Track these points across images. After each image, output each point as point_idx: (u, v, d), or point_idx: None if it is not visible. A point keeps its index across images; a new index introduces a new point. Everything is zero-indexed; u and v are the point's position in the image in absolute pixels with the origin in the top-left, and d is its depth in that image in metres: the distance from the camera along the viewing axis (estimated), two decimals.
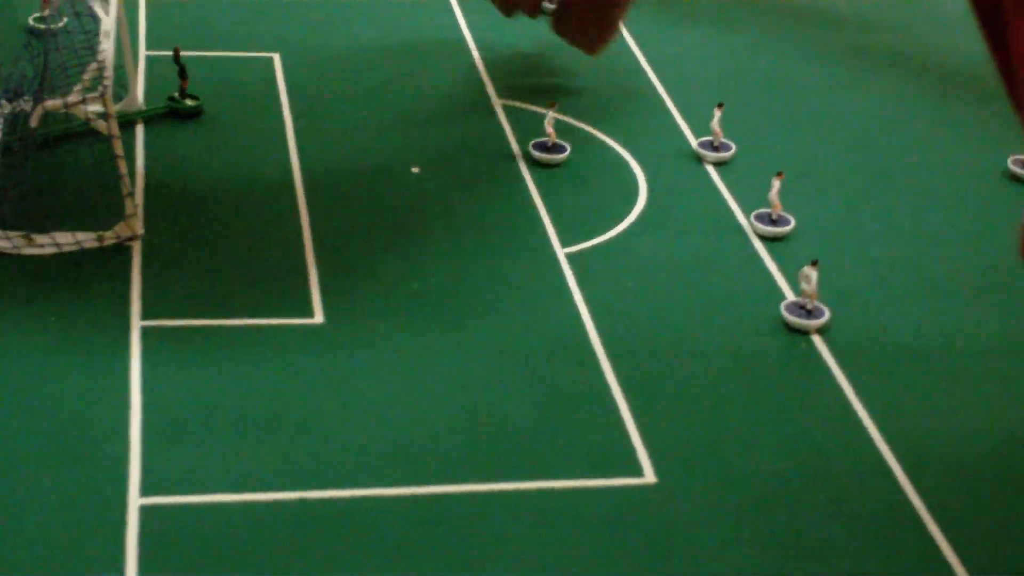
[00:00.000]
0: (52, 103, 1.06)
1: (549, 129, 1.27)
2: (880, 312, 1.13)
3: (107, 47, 1.11)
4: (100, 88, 1.06)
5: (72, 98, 1.06)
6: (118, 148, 1.08)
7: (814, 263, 1.10)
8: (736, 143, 1.32)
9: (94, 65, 1.10)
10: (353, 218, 1.18)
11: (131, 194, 1.10)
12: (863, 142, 1.38)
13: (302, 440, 0.95)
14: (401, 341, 1.05)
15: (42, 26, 1.27)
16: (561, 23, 1.34)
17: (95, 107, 1.07)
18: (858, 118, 1.42)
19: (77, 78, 1.13)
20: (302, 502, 0.90)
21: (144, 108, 1.28)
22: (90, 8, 1.18)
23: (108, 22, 1.15)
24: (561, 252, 1.16)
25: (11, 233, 1.09)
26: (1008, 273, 1.18)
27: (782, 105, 1.43)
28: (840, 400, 1.03)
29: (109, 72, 1.08)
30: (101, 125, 1.07)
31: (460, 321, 1.07)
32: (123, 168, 1.09)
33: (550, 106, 1.28)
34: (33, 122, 1.07)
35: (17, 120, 1.16)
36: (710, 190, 1.26)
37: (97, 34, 1.13)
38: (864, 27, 1.62)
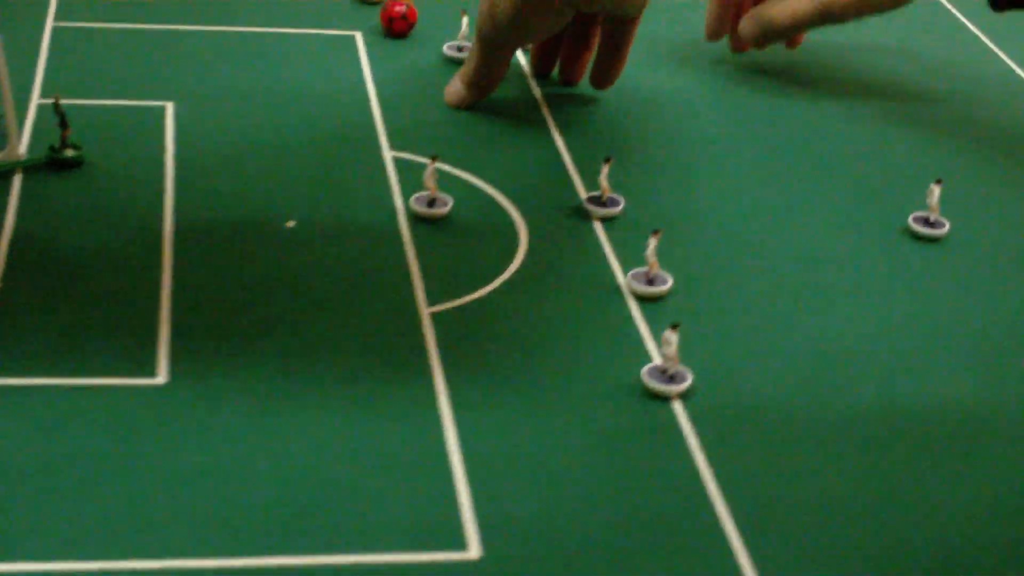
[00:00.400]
0: None
1: (429, 183, 1.25)
2: (747, 378, 1.11)
3: None
4: None
5: None
6: None
7: (674, 326, 1.08)
8: (627, 197, 1.30)
9: None
10: (217, 274, 1.16)
11: None
12: (757, 194, 1.36)
13: (116, 508, 0.93)
14: (241, 404, 1.03)
15: None
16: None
17: None
18: (754, 168, 1.40)
19: None
20: (102, 573, 0.88)
21: (23, 158, 1.26)
22: None
23: None
24: (426, 311, 1.14)
25: None
26: (883, 337, 1.16)
27: (678, 157, 1.41)
28: (689, 468, 1.01)
29: None
30: None
31: (308, 382, 1.06)
32: None
33: (431, 160, 1.26)
34: None
35: None
36: (592, 247, 1.24)
37: None
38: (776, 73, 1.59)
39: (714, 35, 1.57)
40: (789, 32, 1.52)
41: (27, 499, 0.93)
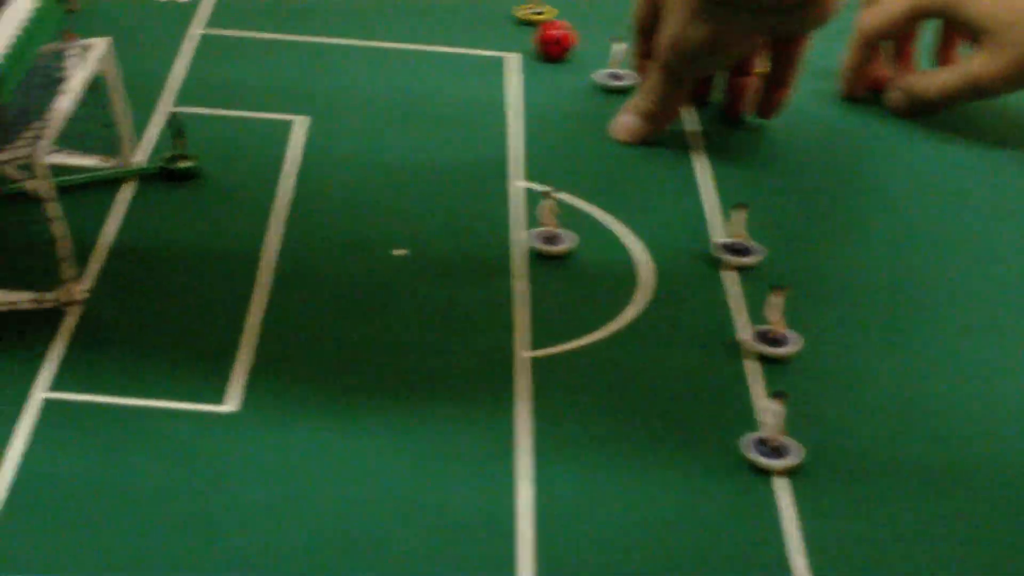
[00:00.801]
0: None
1: (547, 218, 1.18)
2: (860, 458, 1.01)
3: (60, 104, 1.07)
4: (31, 149, 1.01)
5: (1, 156, 1.02)
6: (51, 211, 1.03)
7: (777, 395, 0.98)
8: (773, 246, 1.20)
9: (38, 123, 1.05)
10: (313, 301, 1.11)
11: (67, 259, 1.05)
12: (908, 255, 1.24)
13: (158, 541, 0.88)
14: (310, 443, 0.97)
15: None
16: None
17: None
18: (924, 224, 1.29)
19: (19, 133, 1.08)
20: None
21: (135, 167, 1.23)
22: (70, 60, 1.14)
23: (76, 80, 1.11)
24: (523, 355, 1.07)
25: None
26: None
27: (840, 206, 1.31)
28: (781, 557, 0.92)
29: (50, 132, 1.04)
30: (31, 186, 1.02)
31: (383, 420, 0.99)
32: (58, 231, 1.04)
33: (544, 194, 1.19)
34: None
35: None
36: (719, 299, 1.15)
37: (59, 89, 1.09)
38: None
39: (850, 92, 1.49)
40: (939, 106, 1.44)
41: (85, 523, 0.89)
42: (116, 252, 1.14)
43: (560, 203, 1.19)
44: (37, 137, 1.03)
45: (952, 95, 1.43)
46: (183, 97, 1.37)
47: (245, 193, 1.23)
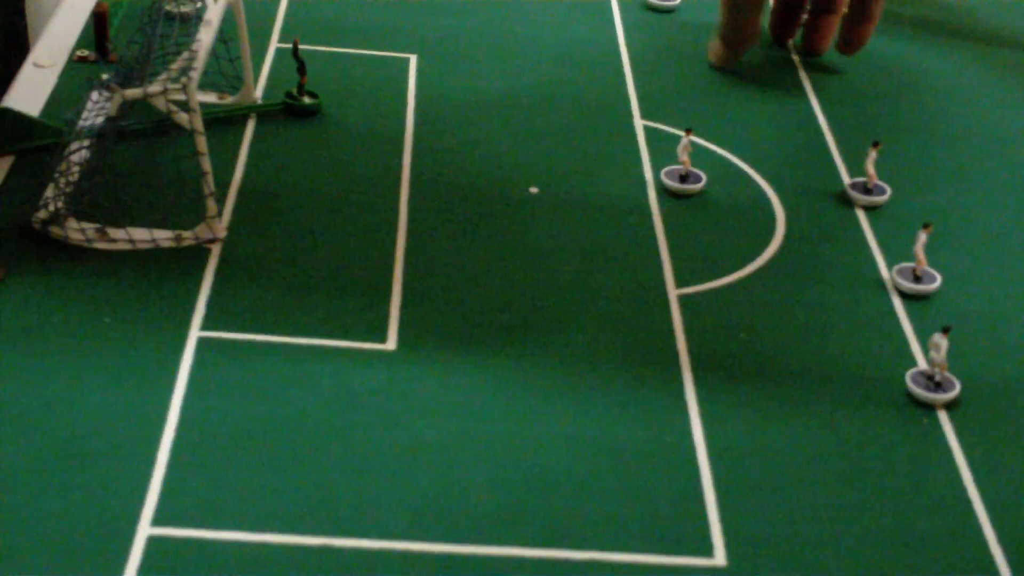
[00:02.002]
0: (131, 92, 0.99)
1: (683, 156, 1.17)
2: (1019, 391, 1.00)
3: (204, 37, 1.05)
4: (183, 80, 1.00)
5: (153, 88, 1.00)
6: (201, 145, 1.01)
7: (945, 330, 0.98)
8: (894, 186, 1.19)
9: (186, 55, 1.03)
10: (454, 238, 1.09)
11: (213, 194, 1.04)
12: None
13: (339, 480, 0.87)
14: (471, 379, 0.96)
15: (171, 8, 1.21)
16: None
17: (178, 98, 1.01)
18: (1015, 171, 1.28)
19: (164, 66, 1.06)
20: (324, 549, 0.82)
21: (259, 102, 1.21)
22: None
23: (214, 10, 1.09)
24: (674, 293, 1.06)
25: (86, 225, 1.03)
26: None
27: (951, 146, 1.30)
28: (956, 489, 0.91)
29: (199, 64, 1.02)
30: (182, 119, 1.01)
31: (542, 361, 0.98)
32: (205, 166, 1.02)
33: (685, 132, 1.17)
34: (112, 110, 1.01)
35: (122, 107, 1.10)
36: (854, 237, 1.15)
37: (198, 21, 1.07)
38: None
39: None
40: None
41: (246, 464, 0.87)
42: (246, 189, 1.12)
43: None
44: (185, 70, 1.02)
45: None
46: (287, 35, 1.34)
47: (369, 131, 1.21)
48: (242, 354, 0.96)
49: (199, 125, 1.01)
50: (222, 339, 0.97)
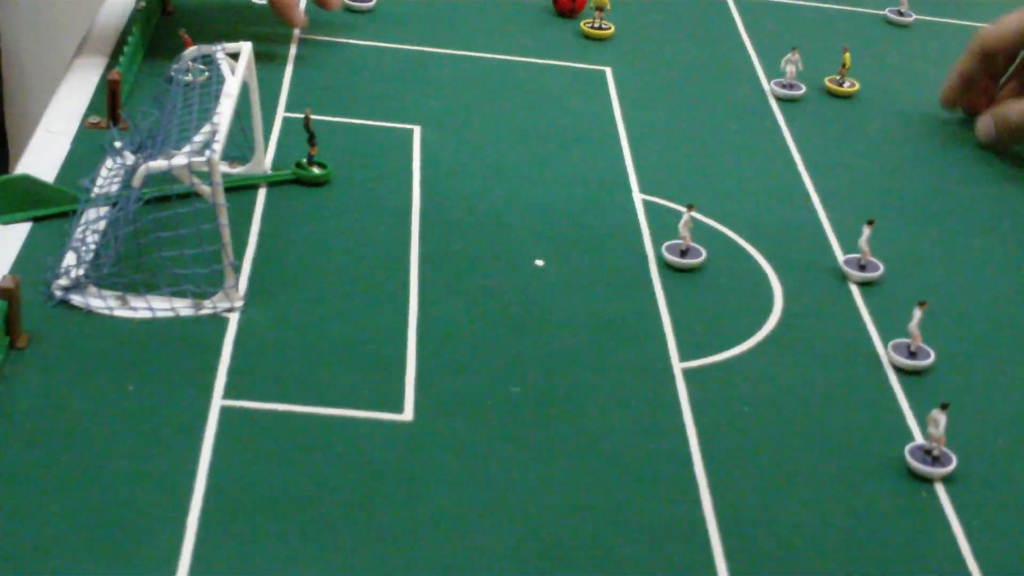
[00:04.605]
0: (156, 164, 1.02)
1: (684, 232, 1.20)
2: (1015, 464, 1.04)
3: (225, 110, 1.07)
4: (207, 153, 1.02)
5: (177, 160, 1.02)
6: (222, 216, 1.04)
7: (943, 406, 1.01)
8: (887, 262, 1.23)
9: (208, 128, 1.06)
10: (465, 309, 1.12)
11: (232, 264, 1.06)
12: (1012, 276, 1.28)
13: (363, 550, 0.89)
14: (489, 449, 0.99)
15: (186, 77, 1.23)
16: None
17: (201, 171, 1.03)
18: (1005, 249, 1.32)
19: (187, 139, 1.09)
20: None
21: (269, 172, 1.24)
22: (218, 65, 1.14)
23: (232, 83, 1.11)
24: (678, 367, 1.09)
25: (106, 293, 1.06)
26: None
27: (940, 227, 1.33)
28: (954, 560, 0.95)
29: (221, 137, 1.04)
30: (205, 191, 1.03)
31: (556, 433, 1.01)
32: (226, 237, 1.04)
33: (687, 208, 1.21)
34: (136, 182, 1.03)
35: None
36: (849, 312, 1.18)
37: (218, 95, 1.10)
38: None
39: (947, 104, 1.53)
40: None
41: (274, 534, 0.89)
42: (259, 258, 1.14)
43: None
44: (208, 143, 1.04)
45: None
46: (292, 105, 1.37)
47: (377, 201, 1.24)
48: (264, 423, 0.98)
49: (221, 198, 1.03)
50: (244, 408, 0.99)
